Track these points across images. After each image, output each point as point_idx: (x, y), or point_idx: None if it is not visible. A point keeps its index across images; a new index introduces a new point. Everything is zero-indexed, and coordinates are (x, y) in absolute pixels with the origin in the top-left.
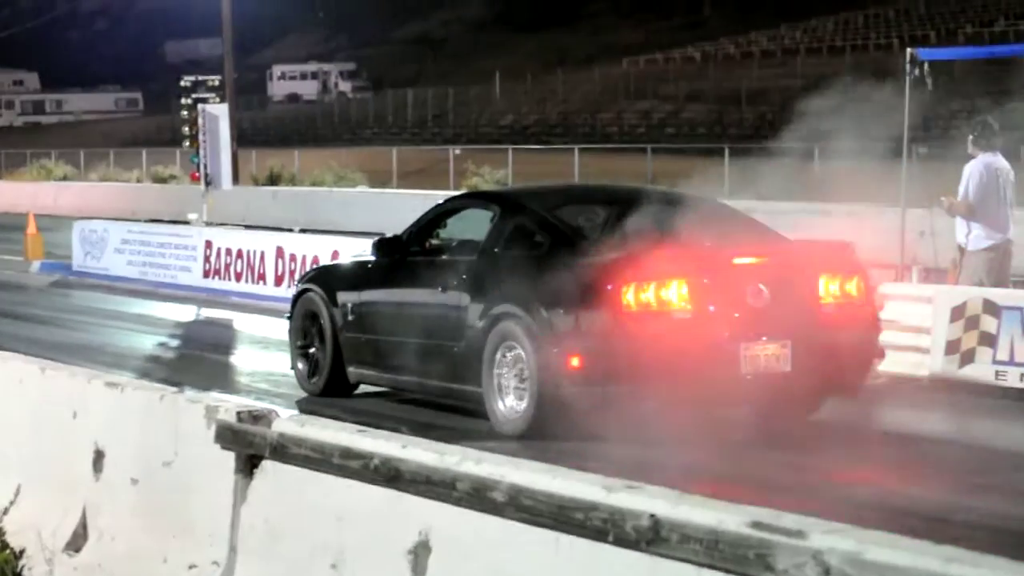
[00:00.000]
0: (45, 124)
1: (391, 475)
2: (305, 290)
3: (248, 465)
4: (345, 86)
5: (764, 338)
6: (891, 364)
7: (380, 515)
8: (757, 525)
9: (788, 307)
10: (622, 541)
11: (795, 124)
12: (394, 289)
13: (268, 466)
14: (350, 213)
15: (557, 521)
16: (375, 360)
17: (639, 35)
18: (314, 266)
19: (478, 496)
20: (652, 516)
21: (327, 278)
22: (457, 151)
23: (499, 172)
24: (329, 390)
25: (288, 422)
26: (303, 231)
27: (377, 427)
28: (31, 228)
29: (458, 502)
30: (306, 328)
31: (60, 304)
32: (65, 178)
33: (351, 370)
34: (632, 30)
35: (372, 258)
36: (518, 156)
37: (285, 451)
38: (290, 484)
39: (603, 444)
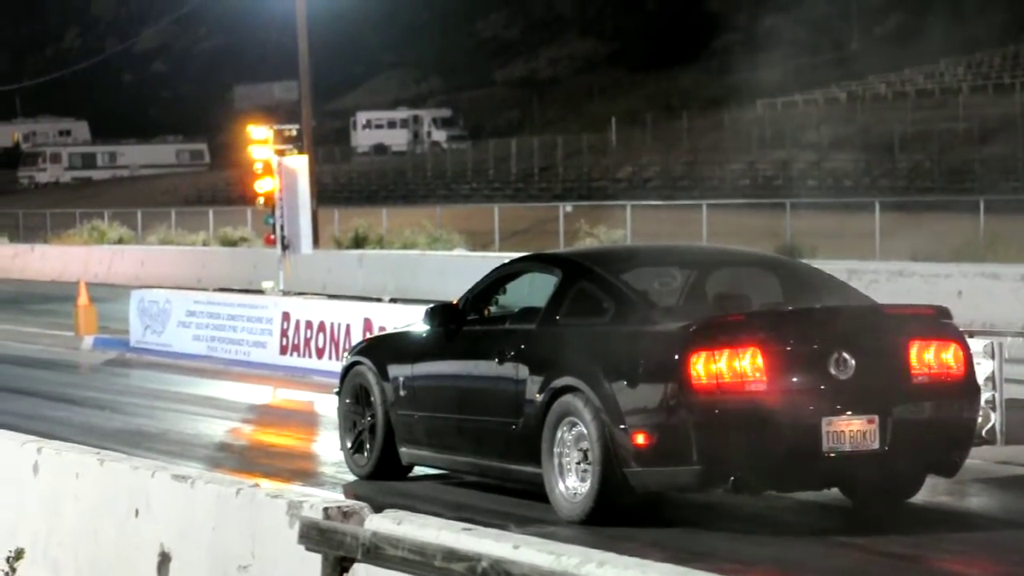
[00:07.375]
0: (96, 180)
1: None
2: (355, 363)
3: (337, 569)
4: (439, 135)
5: (849, 412)
6: None
7: None
8: None
9: (875, 378)
10: None
11: (957, 174)
12: (449, 361)
13: (360, 570)
14: (446, 279)
15: None
16: (429, 439)
17: (775, 74)
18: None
19: None
20: None
21: (378, 350)
22: (568, 208)
23: (616, 232)
24: (380, 472)
25: (383, 519)
26: (393, 300)
27: (417, 511)
28: (82, 298)
29: None
30: (356, 405)
31: (117, 386)
32: (120, 241)
33: (404, 450)
34: (767, 68)
35: (426, 327)
36: (637, 213)
37: (380, 552)
38: None
39: (675, 531)
